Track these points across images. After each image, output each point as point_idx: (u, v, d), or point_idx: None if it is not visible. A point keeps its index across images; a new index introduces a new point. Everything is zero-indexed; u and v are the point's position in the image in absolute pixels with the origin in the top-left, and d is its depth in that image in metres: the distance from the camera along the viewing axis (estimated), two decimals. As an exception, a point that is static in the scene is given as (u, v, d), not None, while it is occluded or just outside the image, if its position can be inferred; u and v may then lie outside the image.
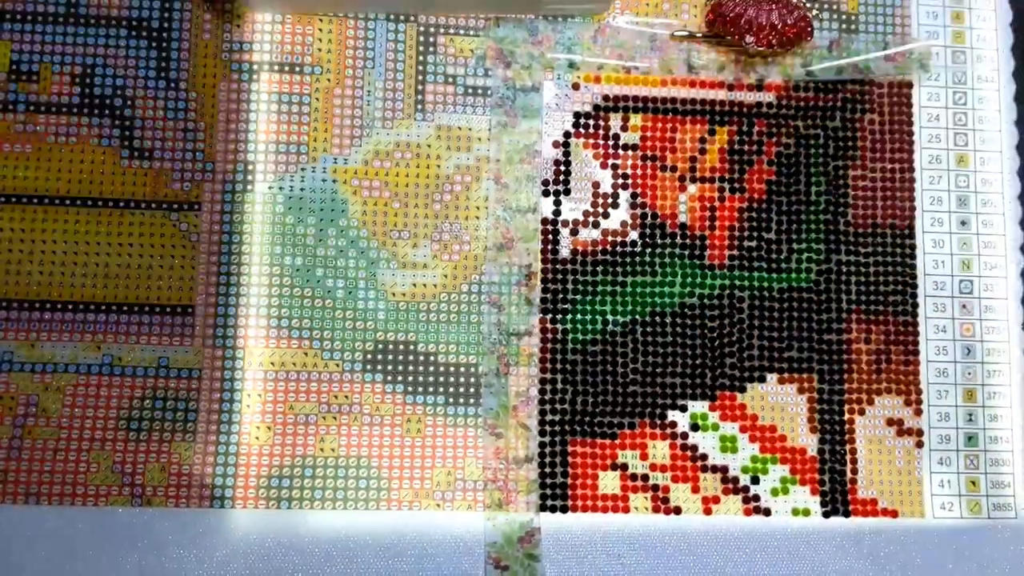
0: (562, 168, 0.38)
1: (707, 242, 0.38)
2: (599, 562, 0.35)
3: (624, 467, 0.36)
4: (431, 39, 0.38)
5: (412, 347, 0.36)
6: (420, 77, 0.38)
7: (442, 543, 0.35)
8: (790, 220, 0.38)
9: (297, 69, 0.37)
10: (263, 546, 0.34)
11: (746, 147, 0.39)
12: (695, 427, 0.37)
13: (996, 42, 0.40)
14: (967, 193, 0.39)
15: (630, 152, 0.38)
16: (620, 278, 0.37)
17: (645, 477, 0.36)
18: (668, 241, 0.38)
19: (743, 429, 0.37)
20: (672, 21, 0.39)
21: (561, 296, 0.37)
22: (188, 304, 0.36)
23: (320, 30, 0.37)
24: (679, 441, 0.37)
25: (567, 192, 0.38)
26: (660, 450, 0.37)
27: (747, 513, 0.36)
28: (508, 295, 0.37)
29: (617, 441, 0.36)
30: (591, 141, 0.38)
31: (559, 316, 0.37)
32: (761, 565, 0.36)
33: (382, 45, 0.38)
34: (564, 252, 0.37)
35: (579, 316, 0.37)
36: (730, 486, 0.37)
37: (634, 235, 0.38)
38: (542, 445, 0.36)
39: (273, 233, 0.36)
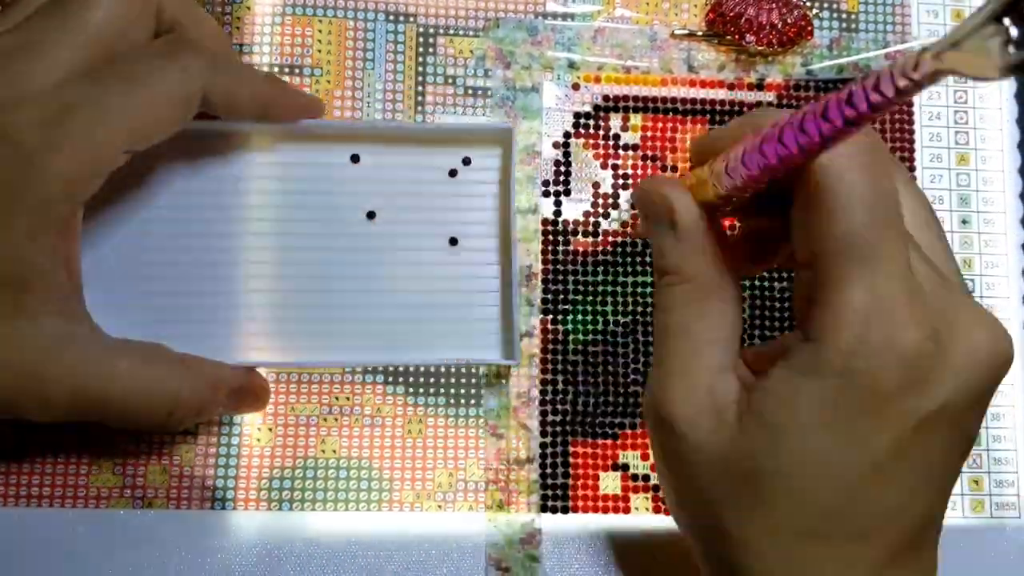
0: (562, 169, 0.38)
1: (708, 242, 0.38)
2: (600, 563, 0.35)
3: (625, 468, 0.36)
4: (430, 40, 0.38)
5: (413, 348, 0.36)
6: (420, 78, 0.38)
7: (443, 544, 0.35)
8: (791, 219, 0.38)
9: (297, 71, 0.37)
10: (264, 547, 0.34)
11: (746, 147, 0.38)
12: (696, 427, 0.37)
13: (997, 40, 0.40)
14: (968, 192, 0.39)
15: (630, 152, 0.38)
16: (621, 278, 0.37)
17: (646, 477, 0.36)
18: (669, 241, 0.38)
19: (745, 429, 0.37)
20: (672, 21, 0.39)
21: (562, 297, 0.37)
22: (189, 306, 0.35)
23: (319, 31, 0.37)
24: (680, 441, 0.37)
25: (567, 193, 0.38)
26: (661, 450, 0.36)
27: (749, 513, 0.36)
28: (509, 296, 0.37)
29: (618, 442, 0.36)
30: (591, 141, 0.38)
31: (560, 317, 0.37)
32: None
33: (381, 46, 0.38)
34: (565, 253, 0.37)
35: (580, 316, 0.37)
36: (732, 486, 0.36)
37: (635, 235, 0.38)
38: (543, 446, 0.36)
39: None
